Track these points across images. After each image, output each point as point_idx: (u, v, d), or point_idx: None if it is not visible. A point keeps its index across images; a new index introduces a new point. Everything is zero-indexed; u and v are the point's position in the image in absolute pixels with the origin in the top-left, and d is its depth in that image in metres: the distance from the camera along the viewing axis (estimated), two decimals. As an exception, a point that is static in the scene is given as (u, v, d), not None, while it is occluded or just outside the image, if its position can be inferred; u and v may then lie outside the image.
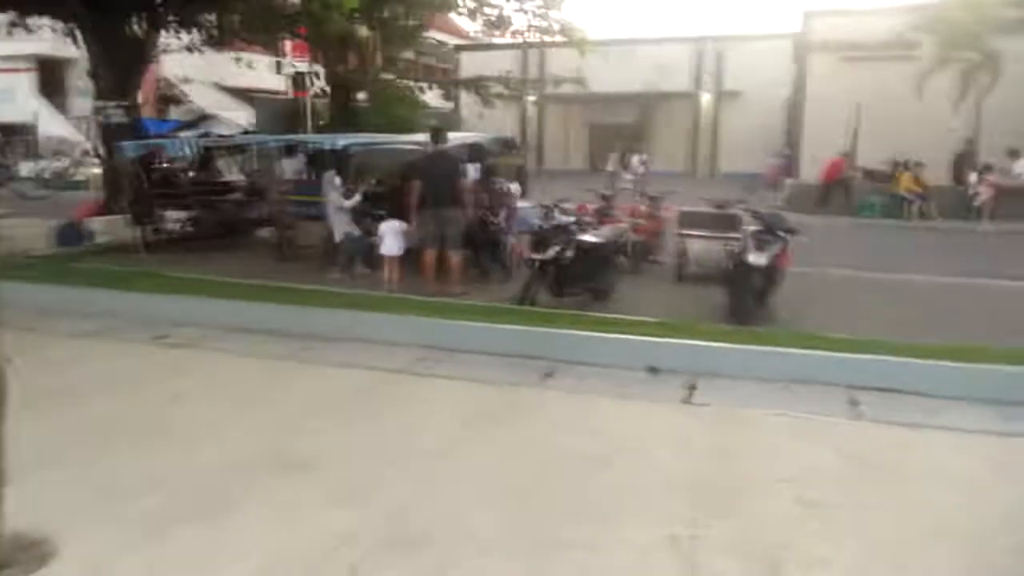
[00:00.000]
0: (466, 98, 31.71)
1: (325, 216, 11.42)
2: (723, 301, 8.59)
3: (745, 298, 7.28)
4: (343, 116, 13.67)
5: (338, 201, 10.20)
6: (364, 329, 6.96)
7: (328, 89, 13.61)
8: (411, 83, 14.01)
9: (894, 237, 16.19)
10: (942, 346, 6.09)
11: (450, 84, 14.27)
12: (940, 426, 4.87)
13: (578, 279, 8.27)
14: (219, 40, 14.21)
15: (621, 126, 35.66)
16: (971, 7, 19.75)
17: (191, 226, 13.11)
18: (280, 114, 27.57)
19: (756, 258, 7.27)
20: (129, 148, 12.34)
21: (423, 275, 9.40)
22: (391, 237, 9.38)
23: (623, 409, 5.16)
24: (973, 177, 18.61)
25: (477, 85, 13.55)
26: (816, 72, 26.42)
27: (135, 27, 13.57)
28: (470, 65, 30.34)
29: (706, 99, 34.34)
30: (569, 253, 8.08)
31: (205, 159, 14.37)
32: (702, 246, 10.29)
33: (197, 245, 12.87)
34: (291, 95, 28.07)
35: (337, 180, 10.35)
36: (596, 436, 4.69)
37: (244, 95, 31.94)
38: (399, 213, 9.53)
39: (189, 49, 15.19)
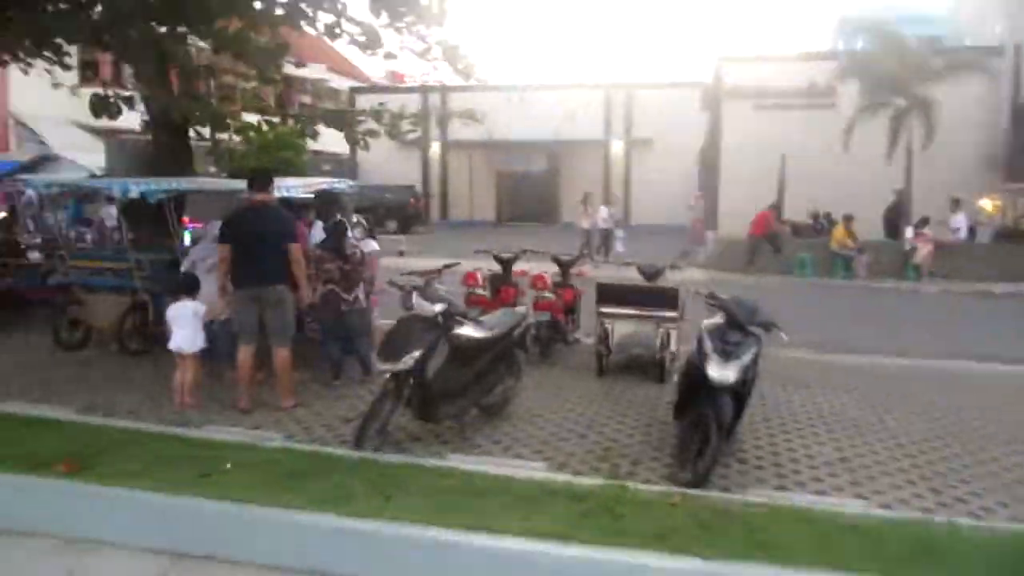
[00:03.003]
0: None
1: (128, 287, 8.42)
2: (666, 423, 6.04)
3: (704, 439, 4.66)
4: (175, 156, 10.61)
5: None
6: (74, 516, 3.97)
7: (148, 121, 10.54)
8: (262, 118, 11.10)
9: (837, 300, 14.17)
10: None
11: (305, 118, 11.39)
12: None
13: (455, 394, 5.51)
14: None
15: (530, 175, 33.69)
16: (896, 54, 18.48)
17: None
18: (137, 156, 24.07)
19: (720, 372, 4.70)
20: None
21: (237, 381, 6.48)
22: (183, 324, 6.41)
23: None
24: (909, 232, 17.06)
25: (342, 119, 10.77)
26: (730, 120, 25.03)
27: None
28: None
29: (617, 146, 32.69)
30: (438, 359, 5.32)
31: None
32: (629, 329, 7.78)
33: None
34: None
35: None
36: None
37: (111, 135, 28.31)
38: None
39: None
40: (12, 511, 3.94)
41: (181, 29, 10.35)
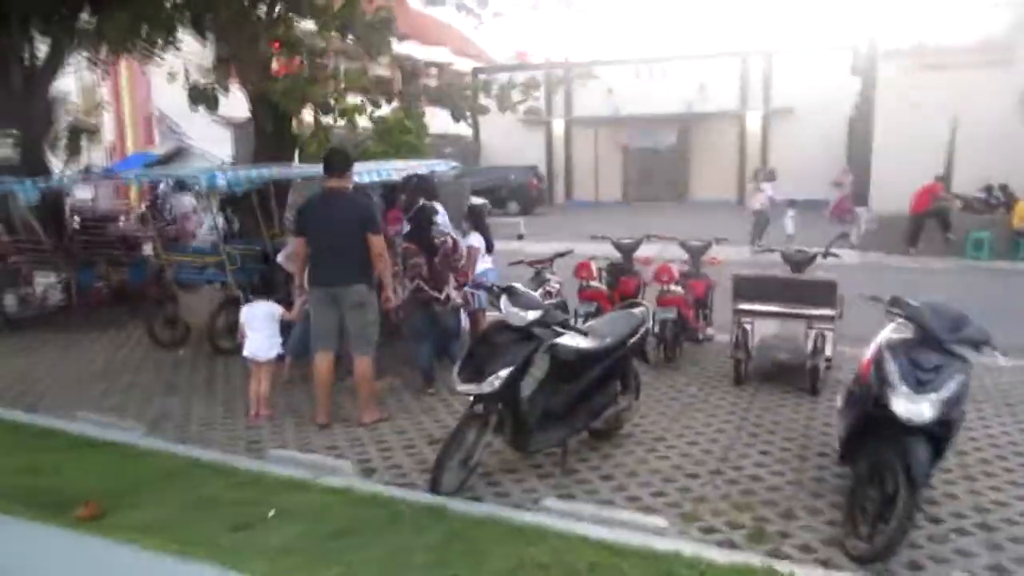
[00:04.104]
0: (485, 122, 28.33)
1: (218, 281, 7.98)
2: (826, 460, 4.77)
3: (888, 497, 3.40)
4: (277, 144, 10.19)
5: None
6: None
7: (251, 110, 10.12)
8: (365, 98, 10.39)
9: (1025, 289, 12.00)
10: None
11: (409, 96, 10.58)
12: None
13: (554, 419, 4.49)
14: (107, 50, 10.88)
15: (659, 151, 31.94)
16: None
17: (62, 293, 9.67)
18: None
19: (912, 407, 3.42)
20: (26, 189, 8.95)
21: (315, 390, 5.75)
22: (258, 328, 5.75)
23: None
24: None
25: (446, 95, 9.89)
26: (886, 83, 22.34)
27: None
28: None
29: (753, 118, 30.27)
30: (536, 375, 4.31)
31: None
32: (773, 329, 6.48)
33: (70, 320, 9.45)
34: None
35: None
36: None
37: (240, 126, 29.18)
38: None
39: (94, 63, 12.07)
40: (13, 561, 3.29)
41: (279, 8, 9.87)
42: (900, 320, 4.06)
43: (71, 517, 3.59)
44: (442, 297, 6.16)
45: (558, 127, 32.70)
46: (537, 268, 8.07)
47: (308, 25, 11.49)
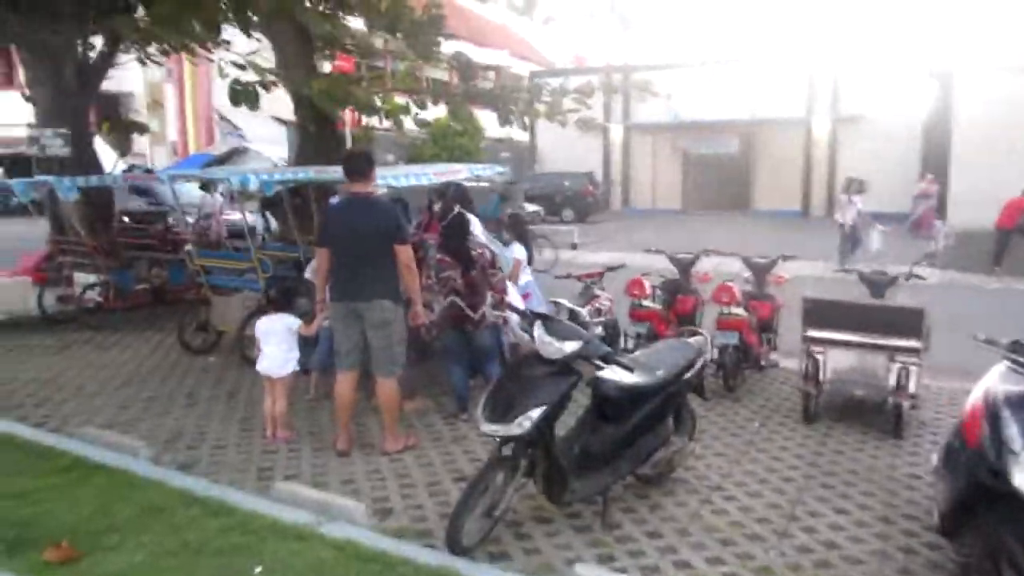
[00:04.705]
0: (542, 127, 27.80)
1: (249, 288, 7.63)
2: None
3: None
4: (322, 145, 9.84)
5: None
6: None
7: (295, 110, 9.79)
8: (411, 99, 9.93)
9: None
10: None
11: (455, 97, 10.05)
12: None
13: (594, 465, 3.90)
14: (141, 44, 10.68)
15: (720, 158, 30.90)
16: None
17: (100, 294, 9.47)
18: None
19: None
20: (63, 187, 8.75)
21: (336, 414, 5.27)
22: (275, 343, 5.30)
23: None
24: None
25: (495, 98, 9.34)
26: (966, 87, 21.02)
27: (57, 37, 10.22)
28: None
29: (820, 125, 28.95)
30: (570, 417, 3.74)
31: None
32: (848, 361, 5.76)
33: (107, 321, 9.26)
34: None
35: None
36: None
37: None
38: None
39: (142, 62, 11.93)
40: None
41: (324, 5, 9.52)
42: (1014, 366, 3.36)
43: (37, 559, 3.16)
44: (476, 316, 5.61)
45: (616, 133, 31.97)
46: (586, 282, 7.50)
47: (354, 24, 11.17)
